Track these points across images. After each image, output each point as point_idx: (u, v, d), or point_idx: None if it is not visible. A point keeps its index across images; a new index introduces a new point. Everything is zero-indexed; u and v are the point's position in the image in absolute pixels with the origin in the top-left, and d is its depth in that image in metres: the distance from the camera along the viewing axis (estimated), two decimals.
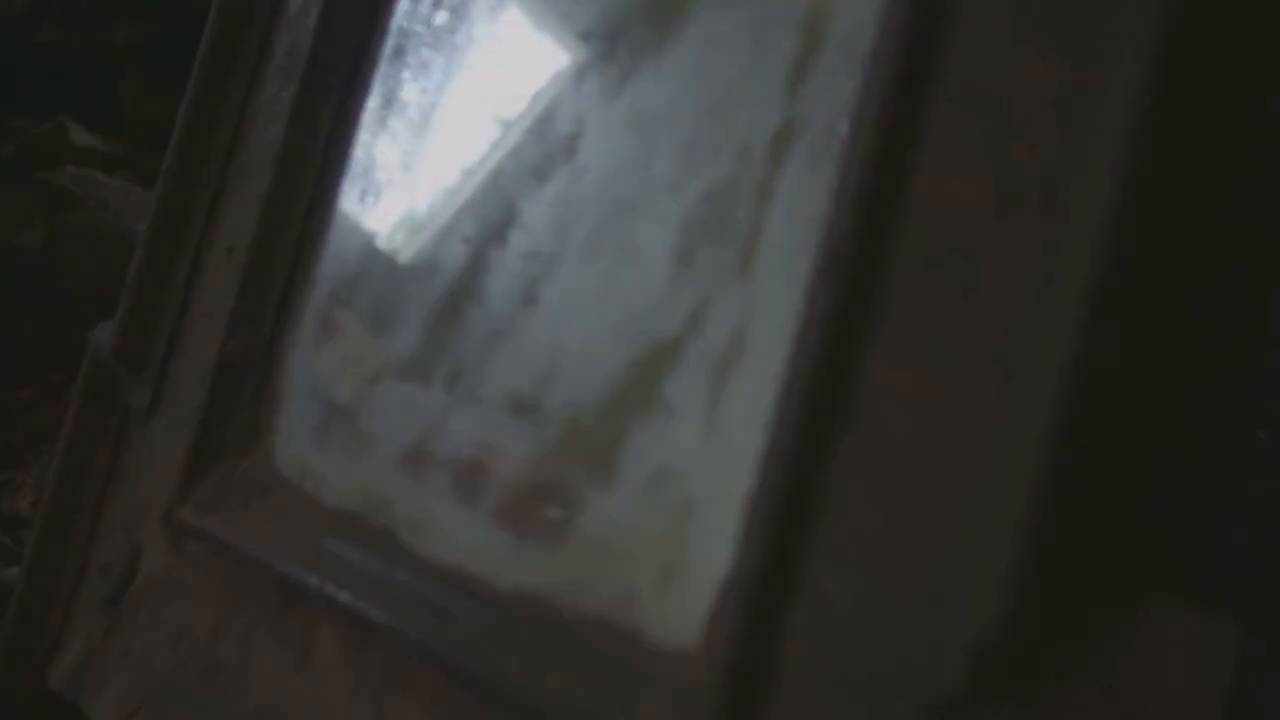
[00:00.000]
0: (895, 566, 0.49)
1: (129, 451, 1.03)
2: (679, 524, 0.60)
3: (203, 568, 0.88)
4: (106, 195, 1.69)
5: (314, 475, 0.84)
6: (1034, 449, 0.44)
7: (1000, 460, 0.46)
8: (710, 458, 0.60)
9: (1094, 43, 0.47)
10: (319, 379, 0.90)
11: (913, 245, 0.51)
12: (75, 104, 2.06)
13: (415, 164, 0.94)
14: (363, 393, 0.84)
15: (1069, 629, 0.44)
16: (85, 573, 1.02)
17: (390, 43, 0.96)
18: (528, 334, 0.72)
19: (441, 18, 0.94)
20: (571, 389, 0.67)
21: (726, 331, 0.60)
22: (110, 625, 0.96)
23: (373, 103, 0.95)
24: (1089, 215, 0.46)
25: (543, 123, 0.79)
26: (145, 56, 2.11)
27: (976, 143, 0.51)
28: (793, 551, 0.52)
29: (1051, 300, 0.46)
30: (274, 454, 0.89)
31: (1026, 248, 0.48)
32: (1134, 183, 0.44)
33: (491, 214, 0.81)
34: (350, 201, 0.95)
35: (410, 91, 0.95)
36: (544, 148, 0.77)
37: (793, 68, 0.62)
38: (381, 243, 0.92)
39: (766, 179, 0.61)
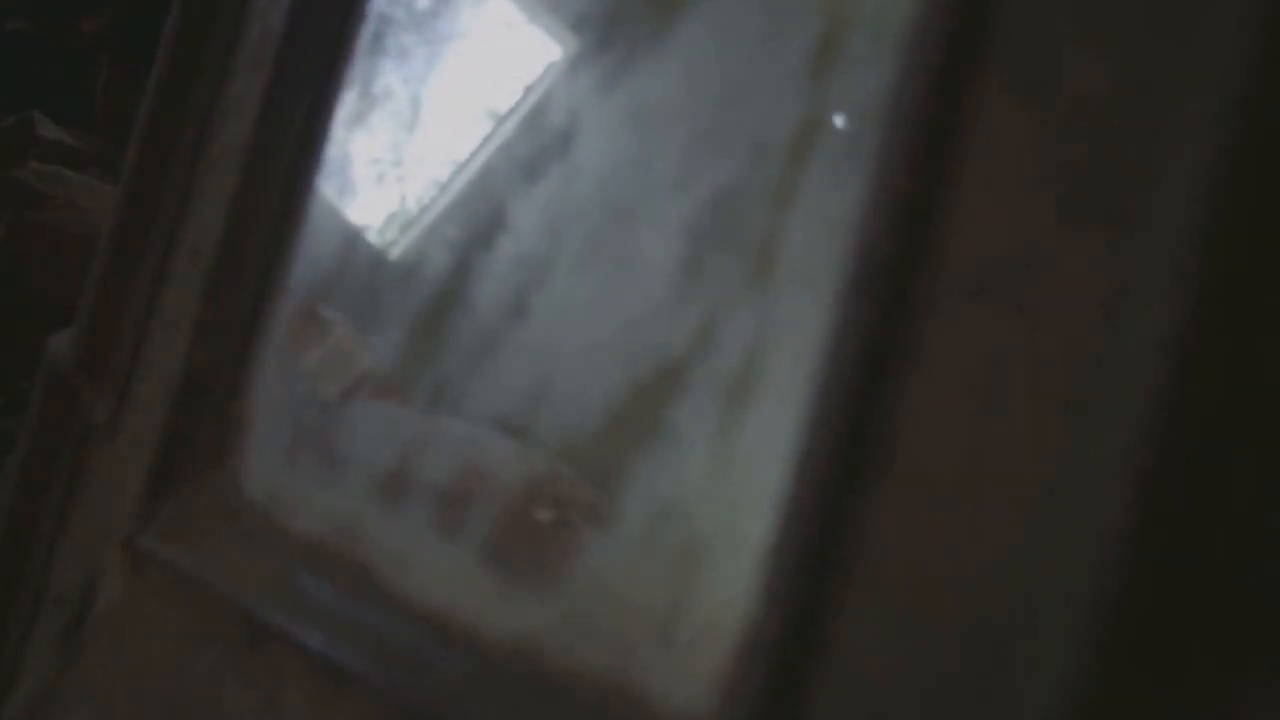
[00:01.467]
0: (942, 631, 0.43)
1: (89, 470, 0.98)
2: (686, 569, 0.54)
3: (165, 599, 0.83)
4: (73, 193, 1.63)
5: (284, 500, 0.79)
6: (1108, 501, 0.38)
7: (1067, 515, 0.40)
8: (721, 496, 0.54)
9: (1182, 21, 0.41)
10: (290, 395, 0.84)
11: (958, 258, 0.45)
12: (44, 97, 2.00)
13: (396, 161, 0.89)
14: (337, 410, 0.79)
15: (1151, 713, 0.38)
16: (41, 601, 0.97)
17: (369, 29, 0.91)
18: (517, 349, 0.66)
19: (424, 2, 0.88)
20: (565, 413, 0.61)
21: (740, 352, 0.54)
22: (66, 660, 0.91)
23: (350, 94, 0.90)
24: (1173, 223, 0.40)
25: (533, 117, 0.74)
26: (117, 47, 2.06)
27: (1033, 139, 0.45)
28: (821, 609, 0.46)
29: (1127, 324, 0.40)
30: (242, 476, 0.84)
31: (1094, 262, 0.42)
32: (1229, 185, 0.38)
33: (477, 216, 0.75)
34: (326, 201, 0.90)
35: (390, 82, 0.90)
36: (535, 144, 0.72)
37: (815, 55, 0.56)
38: (359, 246, 0.88)
39: (785, 181, 0.55)
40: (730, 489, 0.53)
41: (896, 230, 0.47)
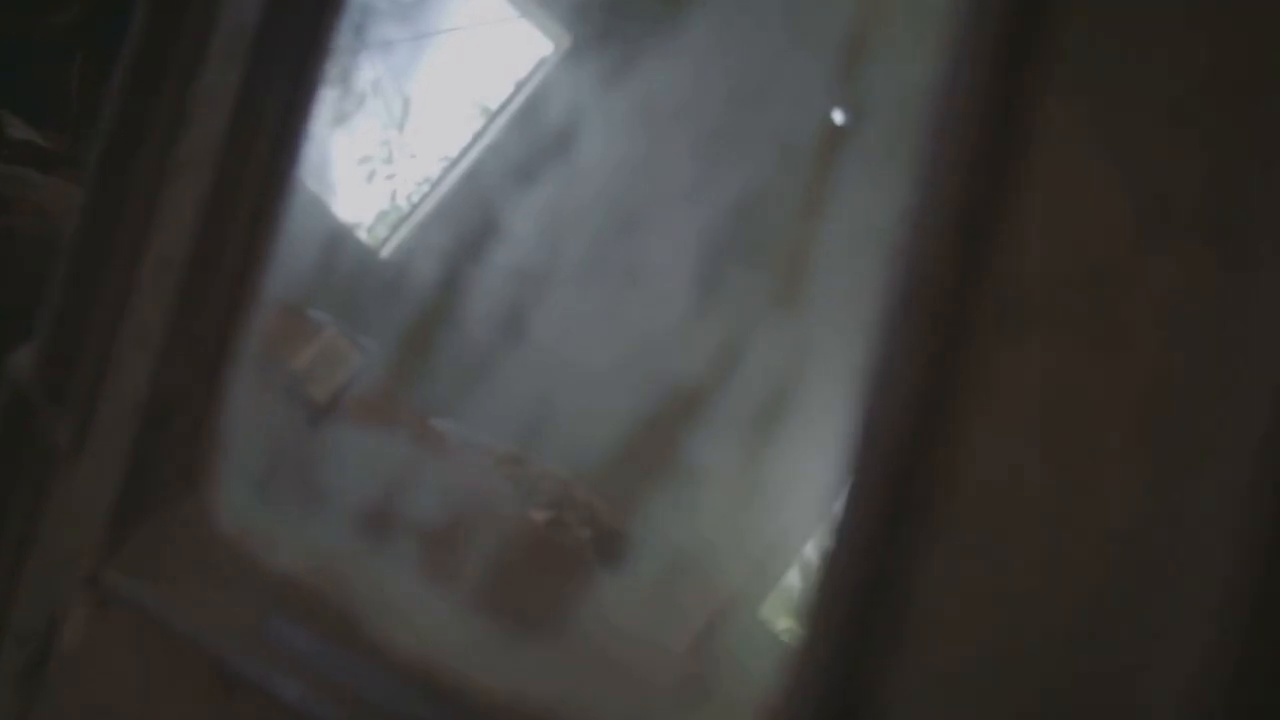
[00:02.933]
0: (1007, 705, 0.38)
1: (51, 497, 0.93)
2: (707, 623, 0.49)
3: (131, 642, 0.79)
4: (41, 196, 1.59)
5: (259, 535, 0.75)
6: (1217, 567, 0.33)
7: (1156, 578, 0.35)
8: (747, 540, 0.49)
9: None
10: (267, 418, 0.79)
11: (1022, 276, 0.40)
12: (13, 94, 1.96)
13: (379, 160, 0.85)
14: (316, 436, 0.74)
15: None
16: (1, 638, 0.92)
17: (349, 20, 0.86)
18: (513, 371, 0.62)
19: None
20: (567, 444, 0.56)
21: (765, 379, 0.49)
22: (27, 702, 0.86)
23: (329, 89, 0.86)
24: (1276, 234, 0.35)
25: (527, 114, 0.70)
26: (91, 41, 2.01)
27: (1104, 139, 0.40)
28: (866, 673, 0.41)
29: (1225, 354, 0.35)
30: (214, 507, 0.79)
31: (1180, 281, 0.37)
32: None
33: (468, 221, 0.71)
34: (304, 205, 0.86)
35: (374, 77, 0.85)
36: (529, 143, 0.67)
37: (848, 44, 0.51)
38: (340, 255, 0.83)
39: (815, 186, 0.50)
40: (757, 533, 0.48)
41: (949, 243, 0.42)
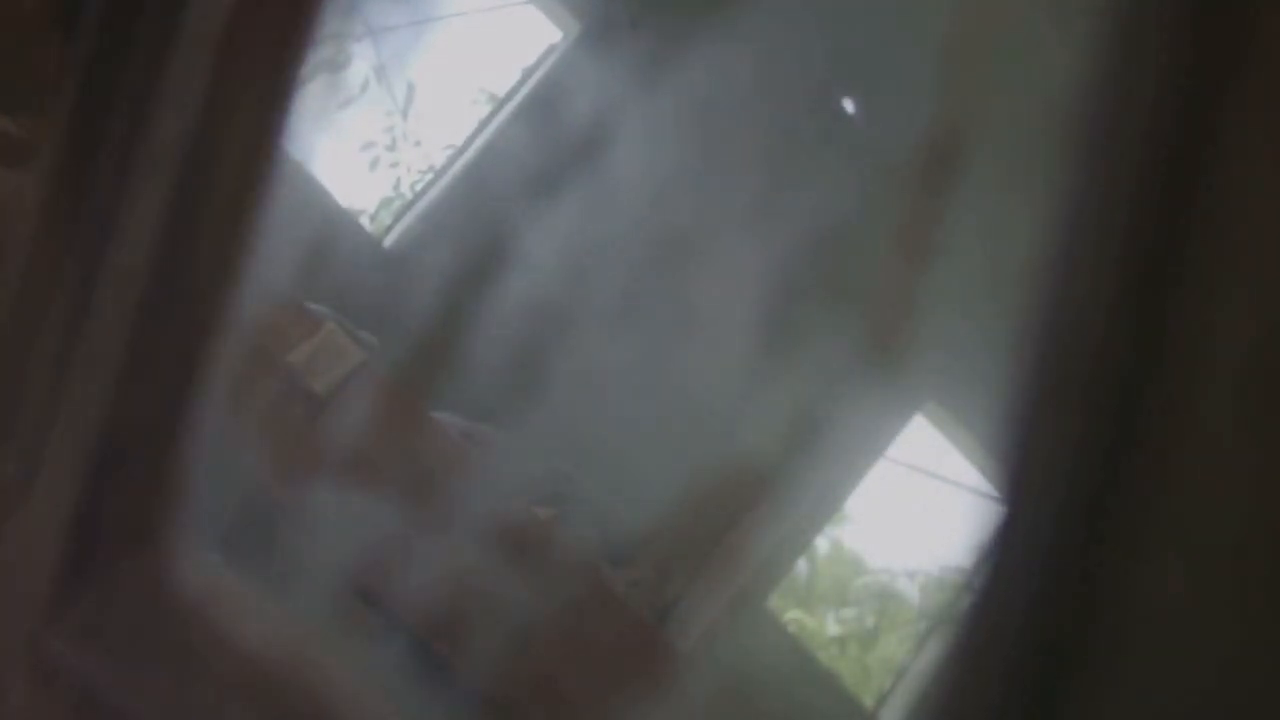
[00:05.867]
0: None
1: None
2: None
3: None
4: (2, 195, 1.52)
5: (225, 601, 0.70)
6: None
7: None
8: (834, 654, 0.40)
9: None
10: (237, 460, 0.72)
11: (1217, 344, 0.32)
12: None
13: (382, 146, 0.78)
14: (295, 491, 0.67)
15: None
16: None
17: (339, 2, 0.79)
18: (529, 427, 0.53)
19: None
20: (596, 525, 0.48)
21: (852, 452, 0.40)
22: None
23: (315, 80, 0.79)
24: None
25: (537, 107, 0.62)
26: (70, 22, 1.95)
27: None
28: None
29: None
30: (173, 564, 0.74)
31: None
32: None
33: (474, 241, 0.63)
34: (284, 213, 0.80)
35: (367, 63, 0.78)
36: (548, 149, 0.59)
37: (955, 34, 0.42)
38: (340, 245, 0.77)
39: (916, 212, 0.41)
40: (849, 648, 0.40)
41: (1113, 289, 0.33)
